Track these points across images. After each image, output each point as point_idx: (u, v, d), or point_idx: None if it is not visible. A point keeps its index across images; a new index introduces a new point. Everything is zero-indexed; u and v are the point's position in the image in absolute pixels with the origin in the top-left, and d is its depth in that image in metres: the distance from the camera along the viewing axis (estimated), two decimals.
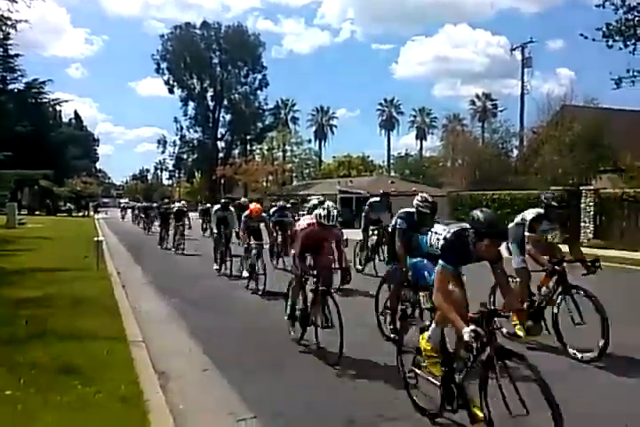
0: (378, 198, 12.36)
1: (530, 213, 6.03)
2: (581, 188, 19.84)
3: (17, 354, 5.05)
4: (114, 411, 3.83)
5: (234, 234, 11.62)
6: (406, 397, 4.18)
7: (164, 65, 61.48)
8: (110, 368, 4.74)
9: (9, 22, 23.00)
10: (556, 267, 5.71)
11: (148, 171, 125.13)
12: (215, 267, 12.03)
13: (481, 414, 3.45)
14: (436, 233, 4.61)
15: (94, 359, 4.96)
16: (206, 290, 9.77)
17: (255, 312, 7.89)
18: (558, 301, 5.65)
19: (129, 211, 41.23)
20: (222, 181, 58.73)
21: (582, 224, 19.00)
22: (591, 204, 18.77)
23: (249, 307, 8.32)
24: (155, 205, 28.60)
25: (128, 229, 29.80)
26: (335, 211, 5.64)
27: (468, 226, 3.75)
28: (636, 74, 17.27)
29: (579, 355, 5.34)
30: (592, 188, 19.74)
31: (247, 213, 10.12)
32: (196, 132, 63.65)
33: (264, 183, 60.80)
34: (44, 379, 4.40)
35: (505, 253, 5.16)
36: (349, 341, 5.26)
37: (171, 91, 62.48)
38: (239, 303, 8.61)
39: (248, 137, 63.57)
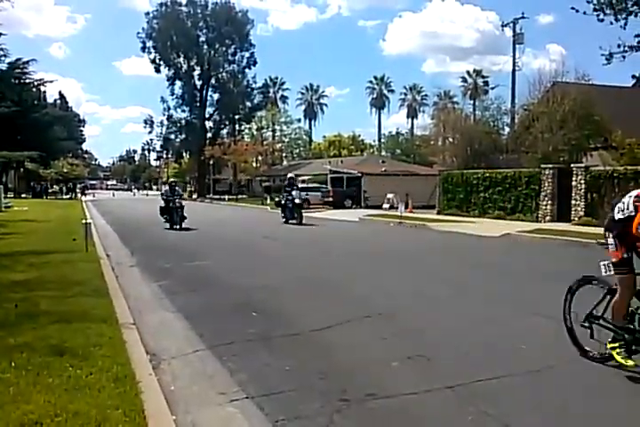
0: None
1: None
2: (572, 165, 19.86)
3: (7, 337, 4.99)
4: (106, 392, 3.78)
5: None
6: None
7: (149, 43, 60.04)
8: (102, 350, 4.68)
9: None
10: None
11: (135, 152, 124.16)
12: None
13: None
14: None
15: (85, 341, 4.90)
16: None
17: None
18: None
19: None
20: (211, 162, 58.24)
21: (573, 202, 19.10)
22: (582, 181, 18.83)
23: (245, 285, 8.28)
24: None
25: (116, 210, 29.54)
26: None
27: None
28: (627, 49, 17.14)
29: None
30: (583, 165, 19.77)
31: None
32: (183, 111, 62.58)
33: (253, 163, 60.39)
34: (35, 361, 4.34)
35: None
36: None
37: (157, 70, 61.26)
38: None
39: (237, 117, 62.62)
